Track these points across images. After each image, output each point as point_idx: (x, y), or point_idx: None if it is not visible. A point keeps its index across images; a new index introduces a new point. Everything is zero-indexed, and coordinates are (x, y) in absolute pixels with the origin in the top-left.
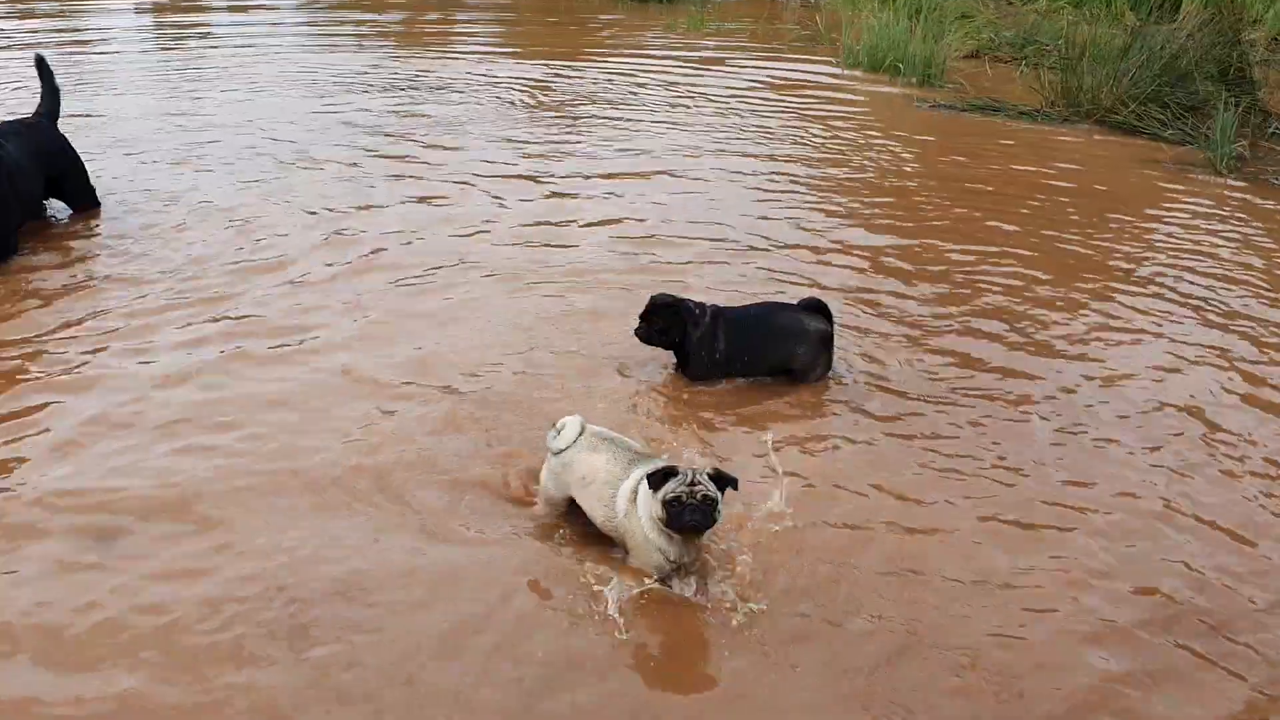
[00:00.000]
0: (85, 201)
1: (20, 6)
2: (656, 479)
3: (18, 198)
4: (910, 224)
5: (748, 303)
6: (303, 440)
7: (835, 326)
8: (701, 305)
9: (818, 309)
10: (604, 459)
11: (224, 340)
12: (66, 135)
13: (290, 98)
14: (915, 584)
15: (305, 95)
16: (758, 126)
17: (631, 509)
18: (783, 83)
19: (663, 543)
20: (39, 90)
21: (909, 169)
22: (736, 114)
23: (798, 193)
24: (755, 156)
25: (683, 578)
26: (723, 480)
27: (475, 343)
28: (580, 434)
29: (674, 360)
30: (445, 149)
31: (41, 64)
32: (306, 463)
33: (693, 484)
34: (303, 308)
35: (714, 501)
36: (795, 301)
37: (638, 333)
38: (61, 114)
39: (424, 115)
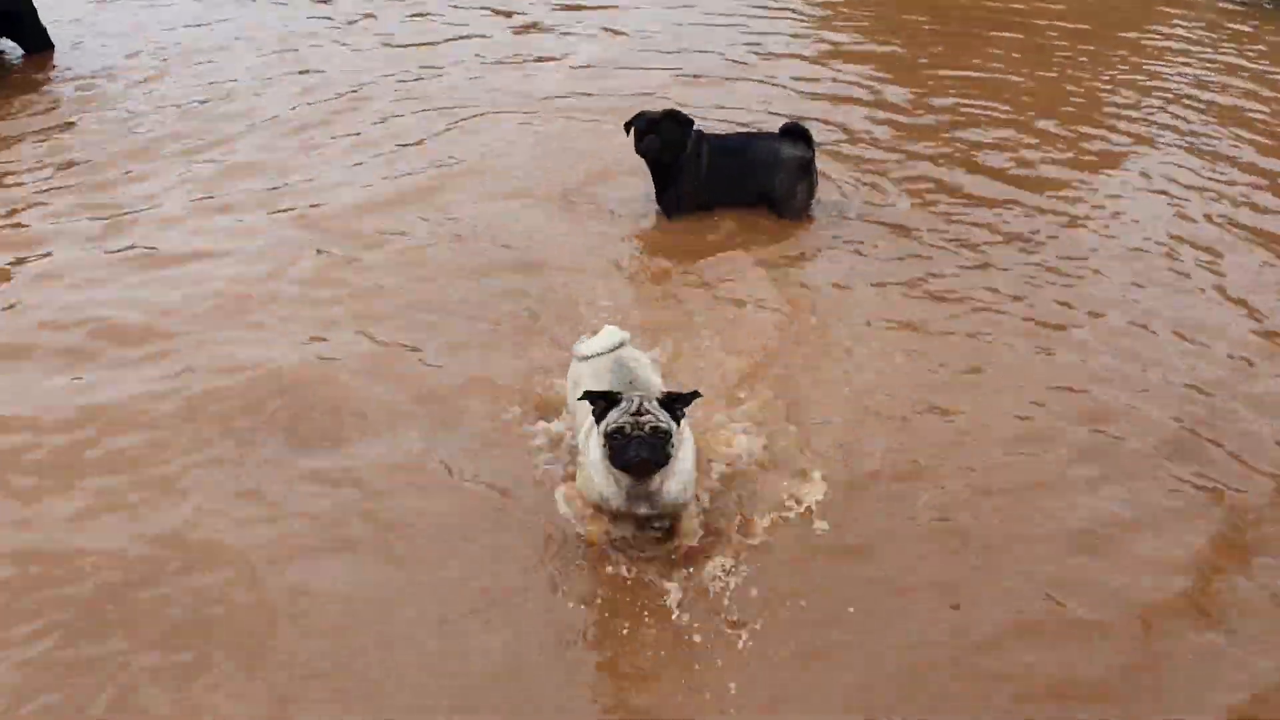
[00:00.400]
0: (38, 42)
1: None
2: (599, 407)
3: None
4: (893, 54)
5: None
6: None
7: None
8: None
9: (799, 134)
10: (589, 370)
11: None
12: None
13: None
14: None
15: None
16: None
17: (588, 440)
18: None
19: (605, 485)
20: None
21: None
22: None
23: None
24: None
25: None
26: (676, 404)
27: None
28: (615, 348)
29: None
30: None
31: None
32: None
33: (638, 413)
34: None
35: (665, 434)
36: (776, 130)
37: (647, 143)
38: None
39: None
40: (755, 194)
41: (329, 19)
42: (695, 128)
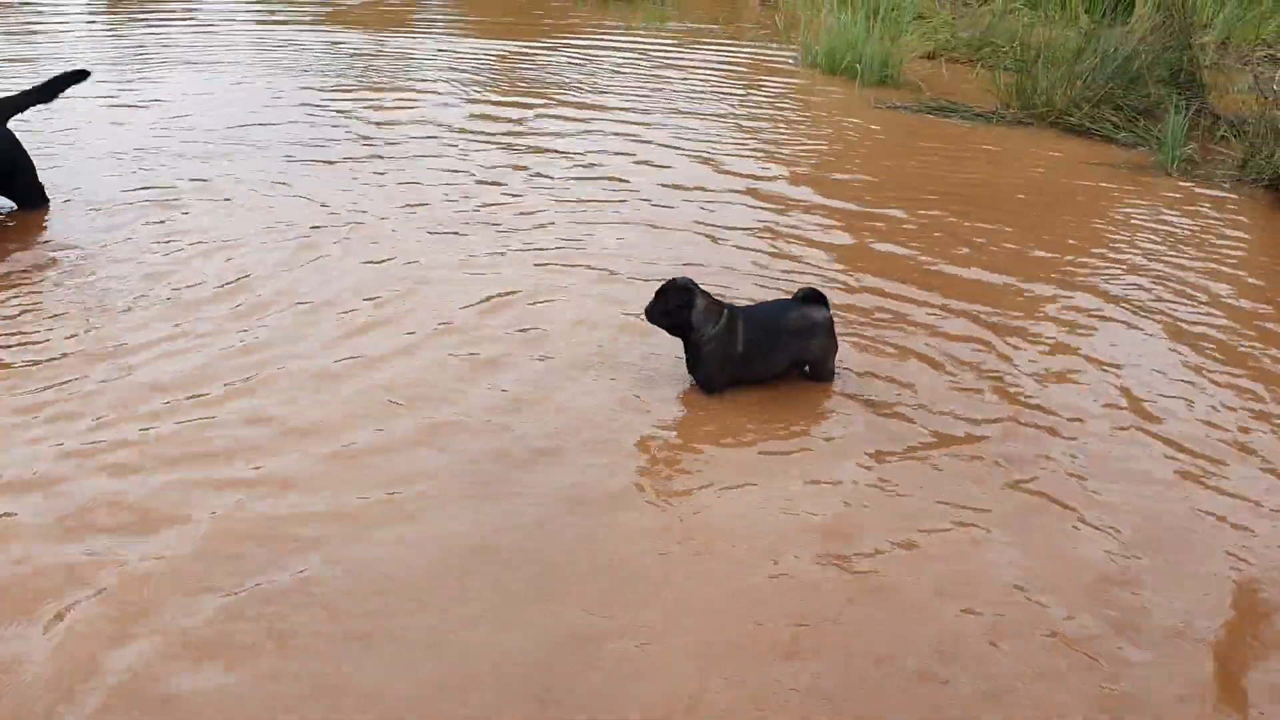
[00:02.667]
0: (34, 200)
1: None
2: None
3: None
4: (866, 222)
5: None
6: None
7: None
8: (719, 301)
9: (818, 298)
10: None
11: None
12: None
13: (248, 81)
14: None
15: (261, 77)
16: (715, 119)
17: None
18: (739, 79)
19: None
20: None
21: (864, 168)
22: (692, 110)
23: (754, 190)
24: (707, 160)
25: None
26: None
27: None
28: None
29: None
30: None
31: (70, 79)
32: None
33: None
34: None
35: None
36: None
37: (648, 310)
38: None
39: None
40: (790, 362)
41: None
42: (727, 304)
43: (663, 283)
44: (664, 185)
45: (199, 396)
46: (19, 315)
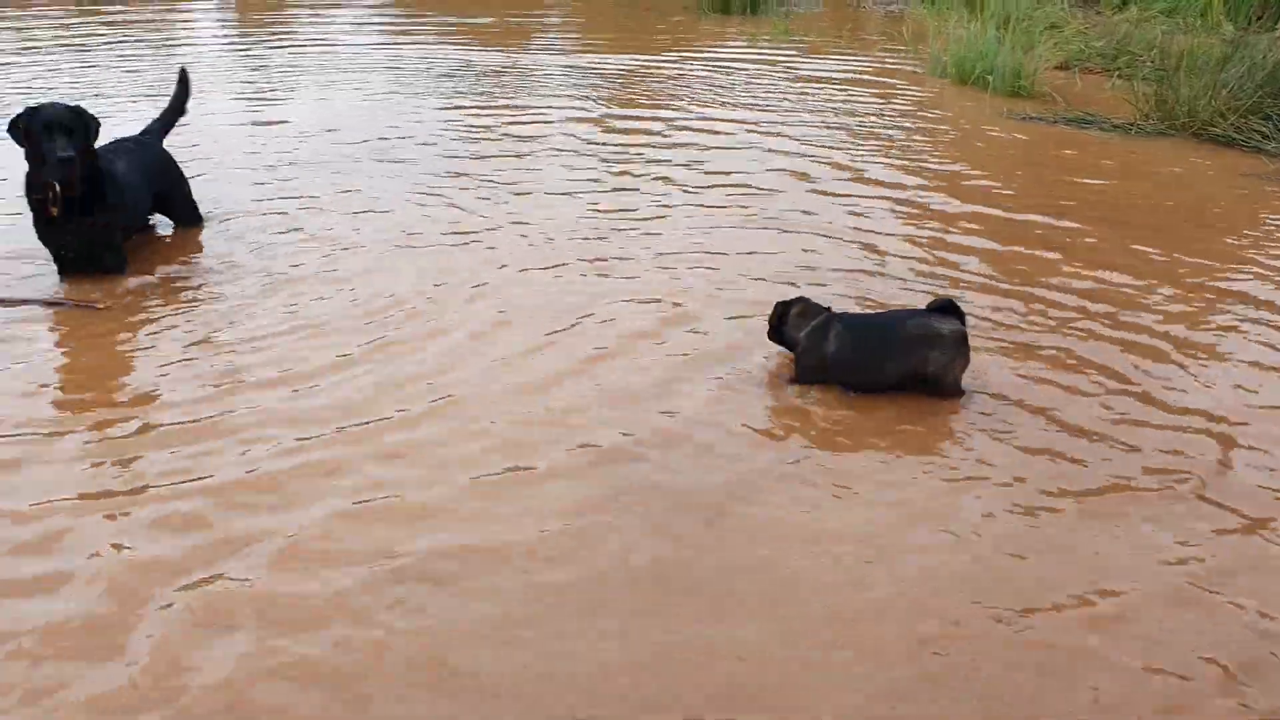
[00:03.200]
0: (190, 218)
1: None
2: None
3: (126, 215)
4: (1009, 231)
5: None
6: None
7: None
8: (814, 306)
9: (950, 309)
10: None
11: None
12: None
13: (380, 97)
14: None
15: (393, 93)
16: (846, 130)
17: None
18: (870, 89)
19: None
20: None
21: (1002, 178)
22: (826, 119)
23: (895, 198)
24: (847, 168)
25: None
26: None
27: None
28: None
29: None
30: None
31: (184, 78)
32: None
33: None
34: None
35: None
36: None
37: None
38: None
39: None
40: (902, 374)
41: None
42: (828, 308)
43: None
44: (809, 193)
45: (357, 424)
46: (181, 323)
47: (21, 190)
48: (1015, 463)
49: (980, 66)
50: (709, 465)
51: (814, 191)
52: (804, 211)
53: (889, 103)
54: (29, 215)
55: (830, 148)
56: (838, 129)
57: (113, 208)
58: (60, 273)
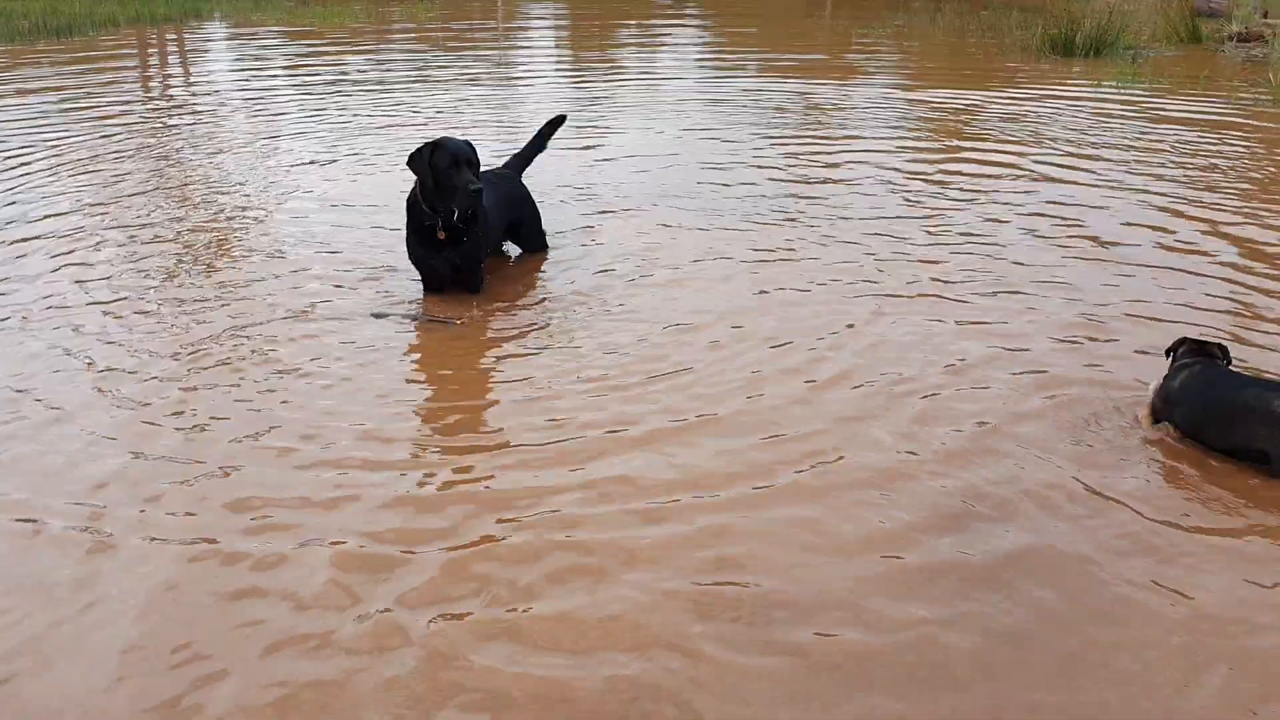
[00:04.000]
0: (537, 245)
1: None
2: None
3: (487, 240)
4: None
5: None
6: None
7: None
8: (1201, 345)
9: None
10: None
11: None
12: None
13: (702, 131)
14: None
15: (715, 128)
16: (1203, 175)
17: None
18: (1232, 134)
19: None
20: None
21: None
22: (1189, 166)
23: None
24: (1206, 217)
25: None
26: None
27: None
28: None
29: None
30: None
31: (555, 122)
32: None
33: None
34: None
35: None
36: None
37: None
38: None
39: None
40: (1231, 444)
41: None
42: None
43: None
44: (1171, 242)
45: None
46: (526, 340)
47: (381, 215)
48: None
49: None
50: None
51: (1177, 241)
52: (1164, 267)
53: (1255, 148)
54: (385, 235)
55: (1190, 192)
56: (1195, 174)
57: (482, 234)
58: (424, 290)
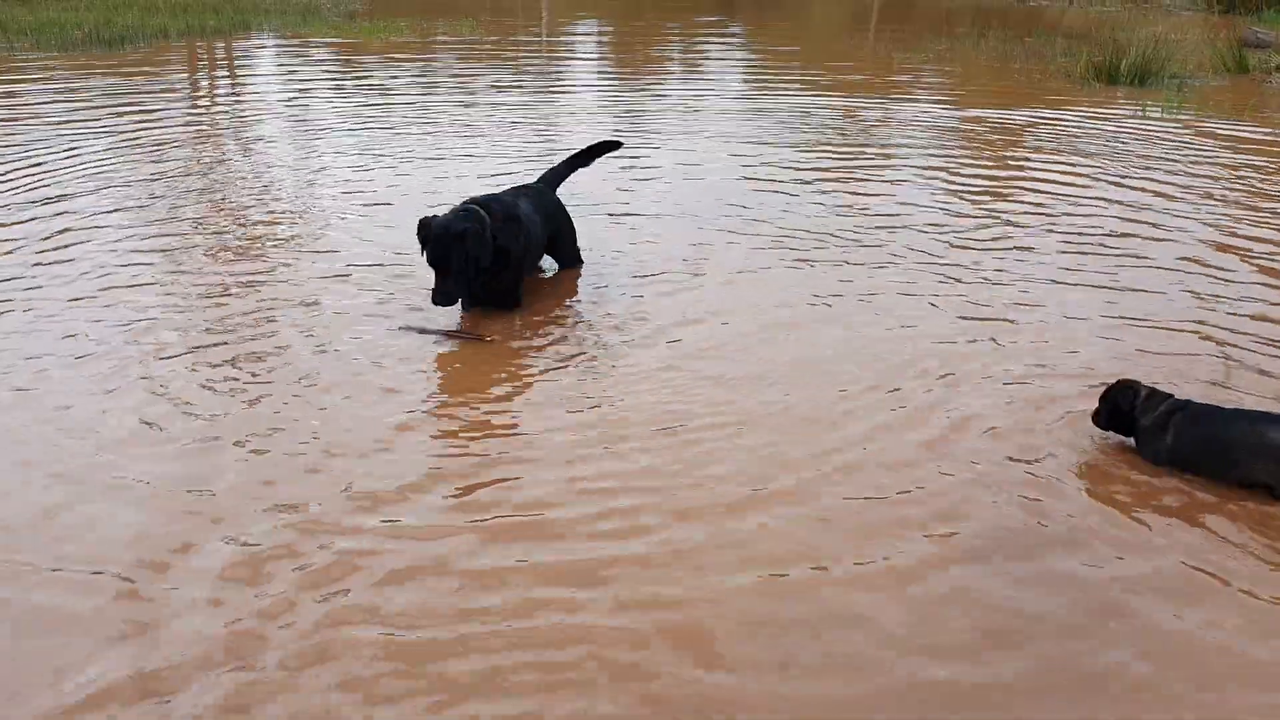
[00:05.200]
0: (571, 259)
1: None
2: None
3: (529, 254)
4: None
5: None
6: None
7: None
8: (1155, 394)
9: None
10: None
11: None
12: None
13: (739, 147)
14: None
15: (753, 144)
16: (1245, 200)
17: None
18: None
19: None
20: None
21: None
22: (1241, 192)
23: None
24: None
25: None
26: None
27: None
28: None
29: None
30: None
31: (604, 148)
32: None
33: None
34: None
35: None
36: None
37: (1092, 418)
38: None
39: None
40: (1246, 477)
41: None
42: (1171, 397)
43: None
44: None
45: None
46: (550, 358)
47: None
48: None
49: None
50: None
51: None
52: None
53: None
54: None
55: (1231, 219)
56: (1234, 200)
57: (518, 261)
58: (464, 308)
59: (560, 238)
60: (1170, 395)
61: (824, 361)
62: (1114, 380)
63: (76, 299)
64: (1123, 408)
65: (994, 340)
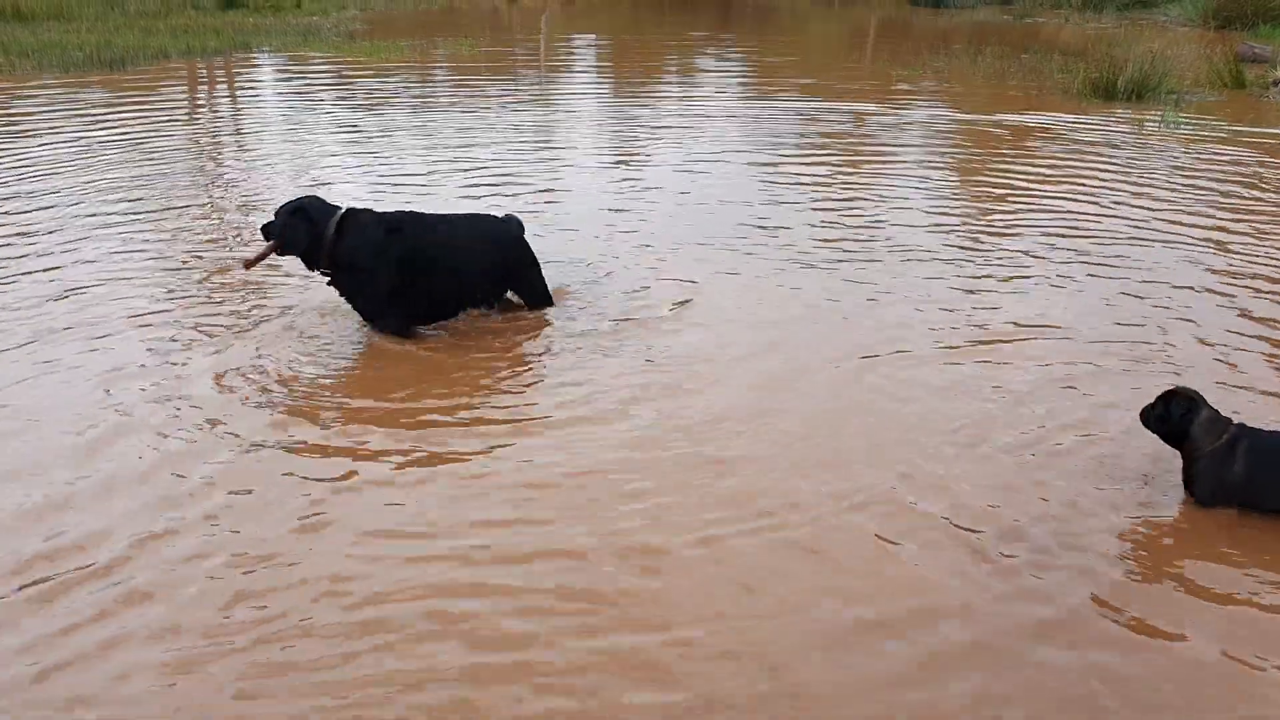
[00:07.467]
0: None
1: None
2: None
3: (382, 272)
4: None
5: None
6: None
7: None
8: (1224, 418)
9: None
10: None
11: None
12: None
13: (734, 157)
14: None
15: (747, 152)
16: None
17: None
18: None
19: None
20: None
21: None
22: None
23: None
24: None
25: None
26: None
27: None
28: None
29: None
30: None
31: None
32: None
33: None
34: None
35: None
36: None
37: (1143, 414)
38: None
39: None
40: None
41: None
42: (1233, 421)
43: (1166, 390)
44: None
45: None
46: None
47: None
48: None
49: None
50: None
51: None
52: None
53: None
54: None
55: (1226, 233)
56: (1232, 214)
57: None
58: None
59: (519, 277)
60: (1231, 420)
61: (818, 386)
62: (1170, 388)
63: (68, 327)
64: (1173, 417)
65: (993, 353)
